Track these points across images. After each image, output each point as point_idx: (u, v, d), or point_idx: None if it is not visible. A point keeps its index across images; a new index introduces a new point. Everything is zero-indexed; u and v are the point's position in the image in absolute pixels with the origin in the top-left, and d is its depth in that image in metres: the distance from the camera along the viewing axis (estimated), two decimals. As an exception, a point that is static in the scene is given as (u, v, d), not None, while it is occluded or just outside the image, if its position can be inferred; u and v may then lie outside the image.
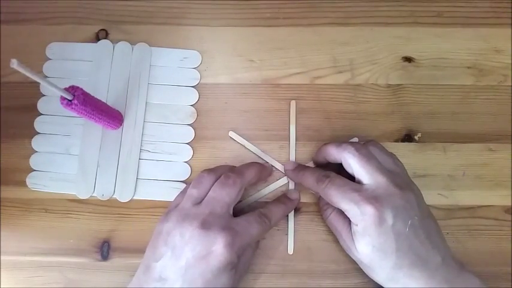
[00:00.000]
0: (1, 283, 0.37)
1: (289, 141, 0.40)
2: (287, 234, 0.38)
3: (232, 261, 0.30)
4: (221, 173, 0.34)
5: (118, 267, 0.38)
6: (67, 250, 0.38)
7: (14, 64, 0.25)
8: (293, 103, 0.41)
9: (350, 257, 0.34)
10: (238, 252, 0.30)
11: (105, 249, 0.38)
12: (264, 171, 0.37)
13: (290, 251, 0.38)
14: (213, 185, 0.33)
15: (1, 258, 0.38)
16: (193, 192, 0.33)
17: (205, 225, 0.30)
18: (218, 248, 0.29)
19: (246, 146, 0.39)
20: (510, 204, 0.39)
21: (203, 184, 0.33)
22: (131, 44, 0.42)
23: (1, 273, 0.38)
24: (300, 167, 0.37)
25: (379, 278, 0.32)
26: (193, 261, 0.29)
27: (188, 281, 0.29)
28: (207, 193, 0.32)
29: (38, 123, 0.40)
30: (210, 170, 0.35)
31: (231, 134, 0.40)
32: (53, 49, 0.42)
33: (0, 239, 0.38)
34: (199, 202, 0.32)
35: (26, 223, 0.39)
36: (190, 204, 0.32)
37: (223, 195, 0.32)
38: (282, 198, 0.37)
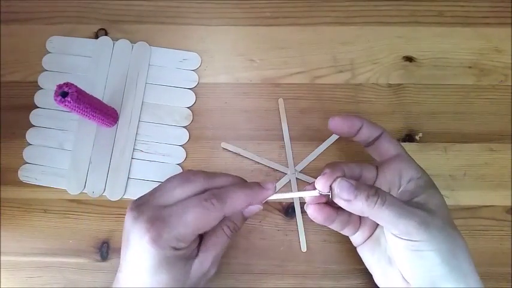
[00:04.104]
0: (1, 283, 0.37)
1: (284, 140, 0.40)
2: (298, 232, 0.38)
3: (164, 258, 0.27)
4: (207, 186, 0.29)
5: (117, 268, 0.37)
6: (66, 250, 0.38)
7: None
8: (281, 101, 0.40)
9: (350, 257, 0.34)
10: (175, 244, 0.27)
11: (104, 250, 0.38)
12: (255, 196, 0.30)
13: (304, 248, 0.38)
14: (190, 195, 0.29)
15: (1, 258, 0.38)
16: (172, 191, 0.29)
17: (136, 214, 0.27)
18: (143, 244, 0.26)
19: (241, 154, 0.39)
20: (511, 204, 0.39)
21: (185, 187, 0.29)
22: (131, 42, 0.42)
23: (1, 273, 0.38)
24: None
25: None
26: (131, 256, 0.28)
27: (133, 274, 0.28)
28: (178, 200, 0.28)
29: (34, 116, 0.40)
30: (198, 176, 0.30)
31: (224, 144, 0.39)
32: (54, 42, 0.42)
33: (0, 239, 0.38)
34: (166, 206, 0.28)
35: (25, 223, 0.38)
36: (156, 204, 0.28)
37: (192, 220, 0.27)
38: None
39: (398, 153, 0.32)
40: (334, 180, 0.28)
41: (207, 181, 0.29)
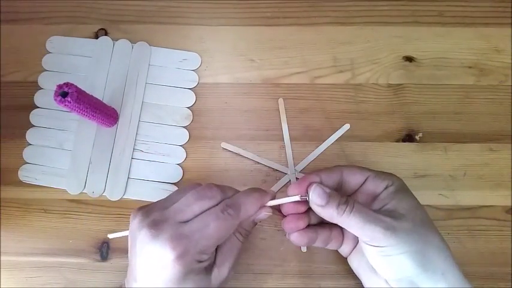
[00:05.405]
0: (1, 283, 0.37)
1: (284, 140, 0.40)
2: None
3: (189, 271, 0.28)
4: (219, 198, 0.30)
5: (117, 268, 0.37)
6: (66, 250, 0.38)
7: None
8: (281, 101, 0.40)
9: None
10: (199, 258, 0.28)
11: (104, 250, 0.38)
12: (263, 200, 0.32)
13: (304, 248, 0.38)
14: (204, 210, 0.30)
15: (1, 258, 0.38)
16: (189, 205, 0.30)
17: (154, 232, 0.28)
18: (168, 260, 0.27)
19: (241, 154, 0.39)
20: (511, 204, 0.39)
21: (201, 203, 0.30)
22: (131, 42, 0.42)
23: (1, 273, 0.38)
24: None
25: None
26: (151, 271, 0.28)
27: (154, 285, 0.28)
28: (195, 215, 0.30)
29: (34, 116, 0.40)
30: (214, 192, 0.31)
31: (224, 144, 0.39)
32: (54, 42, 0.42)
33: (0, 239, 0.38)
34: (185, 221, 0.29)
35: (25, 223, 0.38)
36: (175, 221, 0.29)
37: (213, 232, 0.29)
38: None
39: (365, 177, 0.32)
40: (310, 187, 0.30)
41: (221, 195, 0.31)
